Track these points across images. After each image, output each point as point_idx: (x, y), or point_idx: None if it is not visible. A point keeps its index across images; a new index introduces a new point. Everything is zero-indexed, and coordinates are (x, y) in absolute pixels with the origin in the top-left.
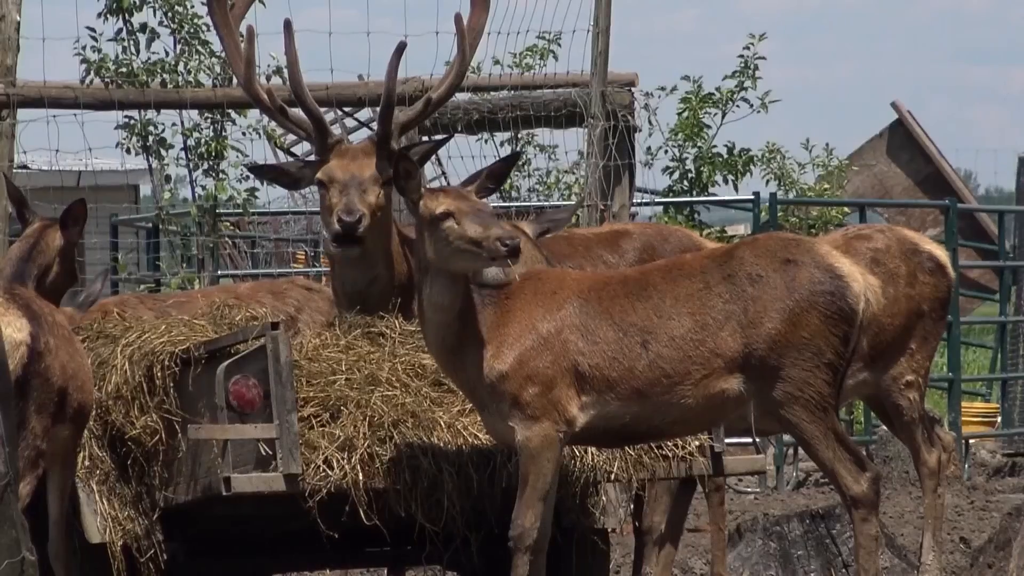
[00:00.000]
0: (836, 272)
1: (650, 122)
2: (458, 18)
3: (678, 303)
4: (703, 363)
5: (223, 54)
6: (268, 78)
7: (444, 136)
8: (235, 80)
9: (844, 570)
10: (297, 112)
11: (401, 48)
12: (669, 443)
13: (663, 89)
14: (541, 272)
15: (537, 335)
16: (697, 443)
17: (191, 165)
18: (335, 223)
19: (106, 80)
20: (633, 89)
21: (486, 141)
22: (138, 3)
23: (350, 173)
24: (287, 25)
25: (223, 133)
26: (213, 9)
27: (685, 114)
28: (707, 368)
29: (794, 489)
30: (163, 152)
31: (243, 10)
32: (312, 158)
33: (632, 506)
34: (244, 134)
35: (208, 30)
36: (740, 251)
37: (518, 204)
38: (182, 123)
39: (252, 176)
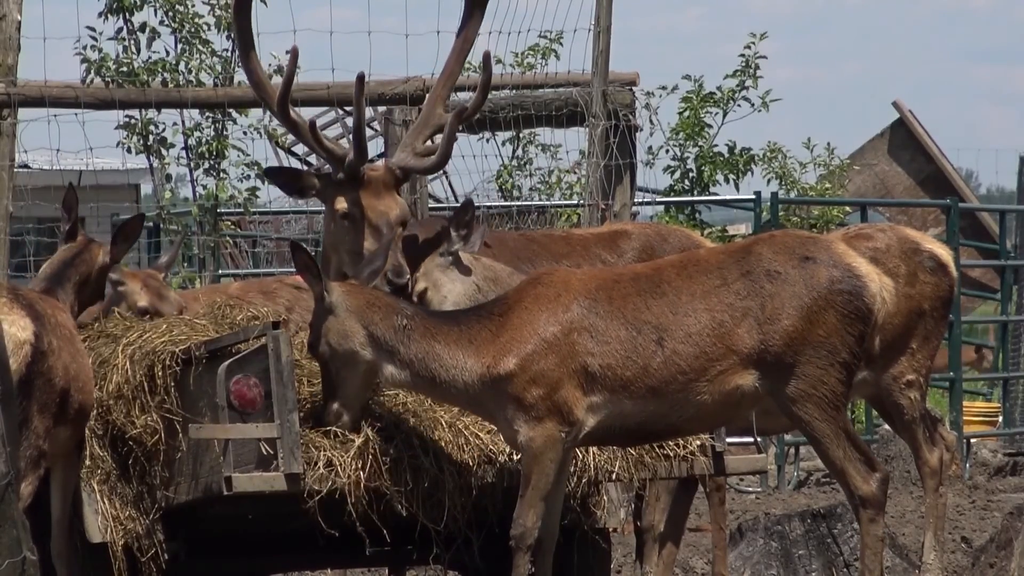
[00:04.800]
0: (854, 271)
1: (651, 121)
2: (486, 56)
3: (694, 299)
4: (719, 359)
5: (224, 53)
6: (270, 77)
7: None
8: (237, 78)
9: (845, 569)
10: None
11: (361, 78)
12: (671, 443)
13: (664, 88)
14: (544, 274)
15: (540, 338)
16: (698, 443)
17: (192, 164)
18: (384, 284)
19: (107, 79)
20: (634, 88)
21: (488, 140)
22: (139, 2)
23: (384, 216)
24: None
25: (224, 132)
26: (241, 24)
27: (686, 113)
28: (723, 364)
29: (795, 488)
30: (164, 151)
31: None
32: (318, 162)
33: (633, 505)
34: (245, 133)
35: (208, 29)
36: (758, 247)
37: (519, 203)
38: (183, 122)
39: (254, 176)
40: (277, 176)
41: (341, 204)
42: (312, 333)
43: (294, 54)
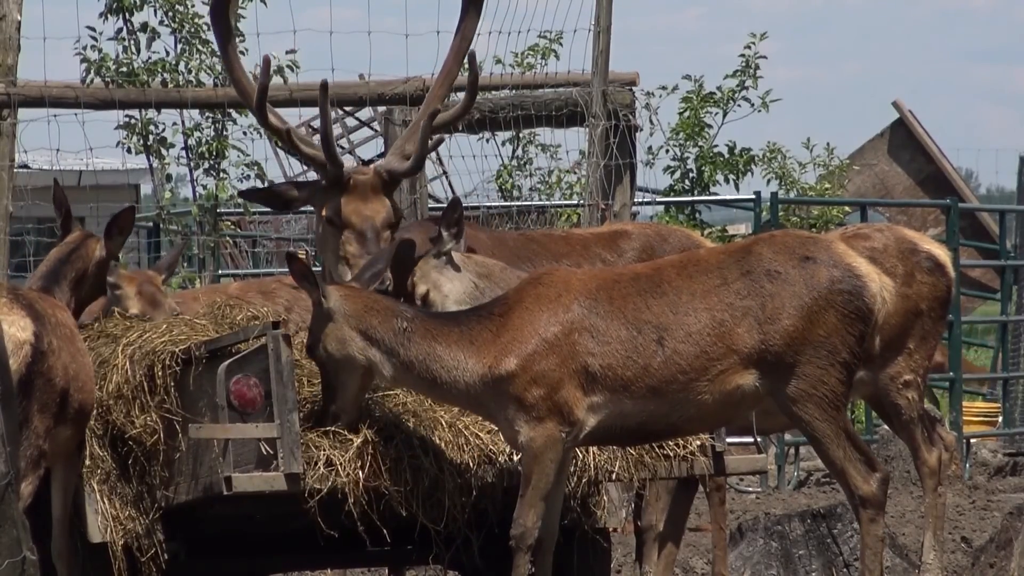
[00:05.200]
0: (854, 271)
1: (651, 121)
2: (472, 55)
3: (695, 299)
4: (720, 359)
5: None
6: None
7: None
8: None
9: (845, 569)
10: (306, 141)
11: (325, 85)
12: (671, 443)
13: (664, 88)
14: (544, 274)
15: (541, 338)
16: (698, 443)
17: (192, 164)
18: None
19: (107, 80)
20: (634, 88)
21: (487, 140)
22: (138, 2)
23: (369, 221)
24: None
25: (224, 132)
26: (219, 24)
27: (686, 113)
28: (723, 364)
29: (795, 488)
30: (164, 151)
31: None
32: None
33: (633, 505)
34: (245, 133)
35: (208, 29)
36: (758, 247)
37: (519, 203)
38: (183, 122)
39: (254, 176)
40: (254, 196)
41: (326, 210)
42: (310, 337)
43: (266, 62)
